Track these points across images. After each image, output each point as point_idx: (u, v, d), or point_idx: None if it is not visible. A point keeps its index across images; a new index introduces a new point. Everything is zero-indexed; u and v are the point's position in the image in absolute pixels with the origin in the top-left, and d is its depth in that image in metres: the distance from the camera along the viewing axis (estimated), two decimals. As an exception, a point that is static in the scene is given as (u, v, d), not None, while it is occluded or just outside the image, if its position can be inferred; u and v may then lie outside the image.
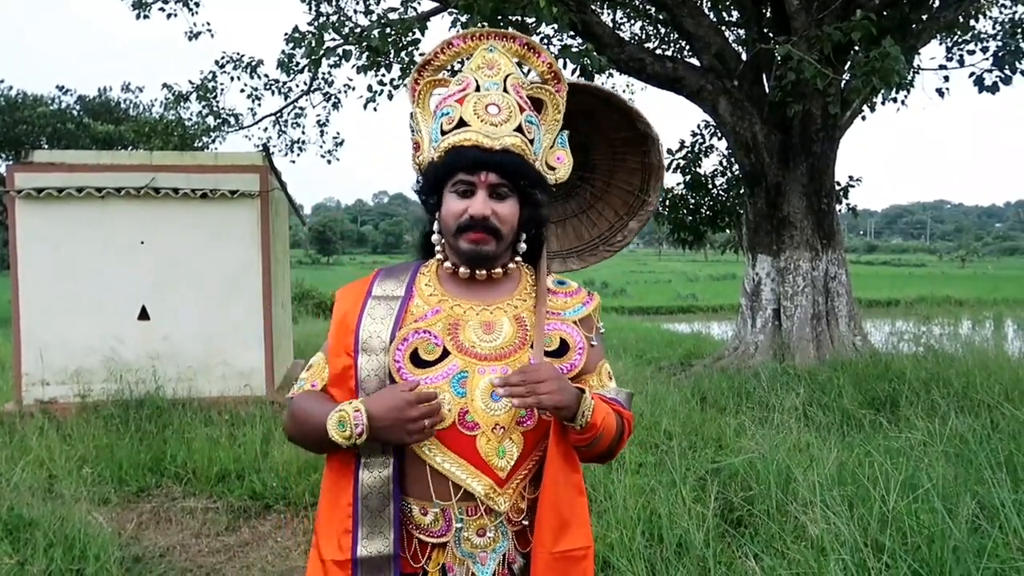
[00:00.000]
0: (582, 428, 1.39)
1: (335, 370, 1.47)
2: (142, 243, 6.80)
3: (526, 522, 1.47)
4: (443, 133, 1.46)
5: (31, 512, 3.87)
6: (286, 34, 9.25)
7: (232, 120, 11.88)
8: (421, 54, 8.57)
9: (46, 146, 21.52)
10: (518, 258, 1.55)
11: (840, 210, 9.66)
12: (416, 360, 1.43)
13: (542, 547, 1.41)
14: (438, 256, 1.54)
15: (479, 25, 5.95)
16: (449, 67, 1.59)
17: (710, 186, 11.06)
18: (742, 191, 9.69)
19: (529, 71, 1.62)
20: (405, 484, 1.44)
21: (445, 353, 1.44)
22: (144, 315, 6.81)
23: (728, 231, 11.97)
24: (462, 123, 1.44)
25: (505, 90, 1.48)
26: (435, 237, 1.53)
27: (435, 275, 1.54)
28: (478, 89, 1.47)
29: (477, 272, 1.49)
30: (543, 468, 1.43)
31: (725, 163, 11.04)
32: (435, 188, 1.49)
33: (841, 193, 9.68)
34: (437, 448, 1.41)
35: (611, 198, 1.81)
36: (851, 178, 9.98)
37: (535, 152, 1.49)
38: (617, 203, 1.81)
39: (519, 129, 1.45)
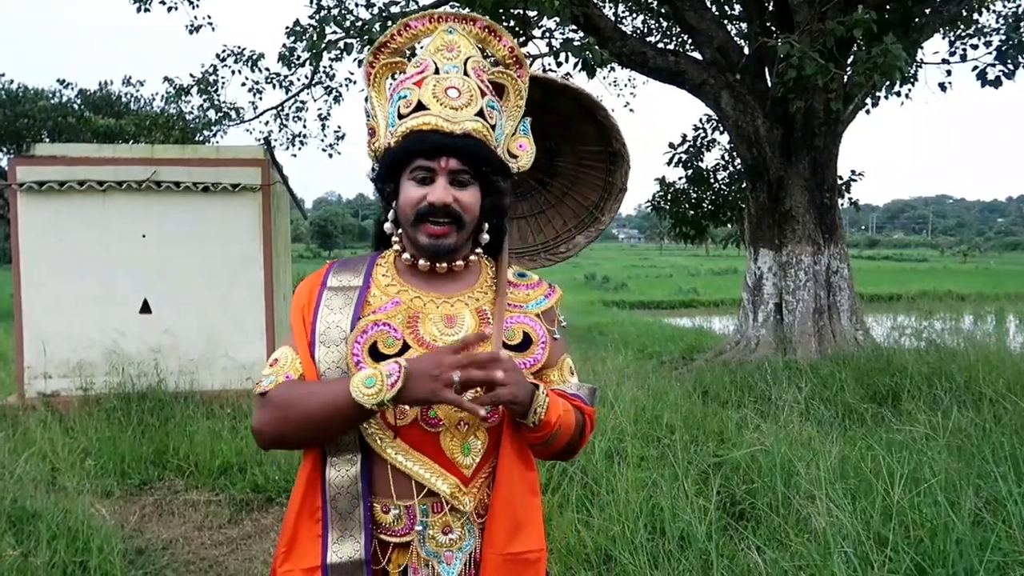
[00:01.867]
0: (535, 426, 1.34)
1: (309, 366, 1.37)
2: (144, 236, 6.80)
3: None
4: (400, 117, 1.39)
5: (34, 504, 3.88)
6: (287, 27, 9.23)
7: (233, 114, 11.86)
8: (423, 47, 8.59)
9: (47, 140, 21.51)
10: (479, 250, 1.48)
11: (842, 204, 9.66)
12: (375, 354, 1.35)
13: (492, 548, 1.35)
14: (395, 247, 1.47)
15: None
16: (406, 50, 1.53)
17: (712, 180, 11.06)
18: (744, 185, 9.68)
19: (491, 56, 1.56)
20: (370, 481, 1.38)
21: (405, 347, 1.37)
22: (146, 308, 6.81)
23: (730, 225, 11.97)
24: (420, 106, 1.37)
25: (466, 73, 1.41)
26: (388, 227, 1.46)
27: (392, 266, 1.47)
28: (437, 72, 1.40)
29: (437, 265, 1.43)
30: None
31: (727, 157, 11.04)
32: (391, 175, 1.42)
33: (843, 187, 9.68)
34: (398, 446, 1.34)
35: (564, 208, 1.76)
36: (853, 172, 10.00)
37: (497, 139, 1.43)
38: (569, 214, 1.76)
39: (480, 114, 1.39)
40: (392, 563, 1.37)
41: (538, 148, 1.56)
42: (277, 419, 1.34)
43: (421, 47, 1.52)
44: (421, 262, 1.43)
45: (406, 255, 1.45)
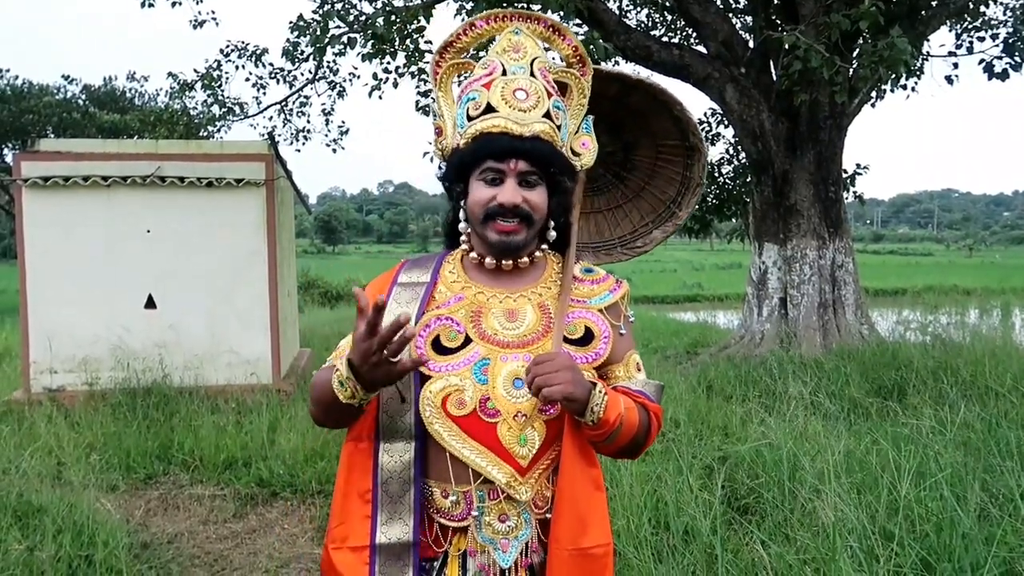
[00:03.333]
0: (594, 424, 1.35)
1: None
2: (148, 232, 6.80)
3: (551, 513, 1.42)
4: (469, 119, 1.42)
5: (40, 499, 3.90)
6: (291, 22, 9.22)
7: (237, 109, 11.85)
8: (427, 42, 8.55)
9: (52, 135, 21.53)
10: (544, 246, 1.51)
11: (847, 198, 9.61)
12: (438, 347, 1.41)
13: (558, 544, 1.36)
14: (463, 246, 1.50)
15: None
16: (470, 50, 1.55)
17: (717, 174, 11.01)
18: (749, 179, 9.65)
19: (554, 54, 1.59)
20: (426, 466, 1.41)
21: (467, 340, 1.42)
22: (151, 304, 6.83)
23: (734, 219, 11.93)
24: (489, 108, 1.40)
25: (532, 74, 1.44)
26: (462, 226, 1.49)
27: (459, 264, 1.52)
28: (505, 73, 1.43)
29: (503, 262, 1.46)
30: None
31: (732, 151, 11.00)
32: (460, 175, 1.45)
33: (848, 181, 9.63)
34: (457, 436, 1.37)
35: (641, 203, 1.77)
36: (858, 166, 9.93)
37: (563, 139, 1.46)
38: (646, 208, 1.77)
39: (547, 115, 1.42)
40: (453, 546, 1.41)
41: (615, 143, 1.58)
42: (312, 402, 1.46)
43: (484, 47, 1.55)
44: (488, 260, 1.46)
45: (473, 253, 1.48)
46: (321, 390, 1.40)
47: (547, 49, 1.53)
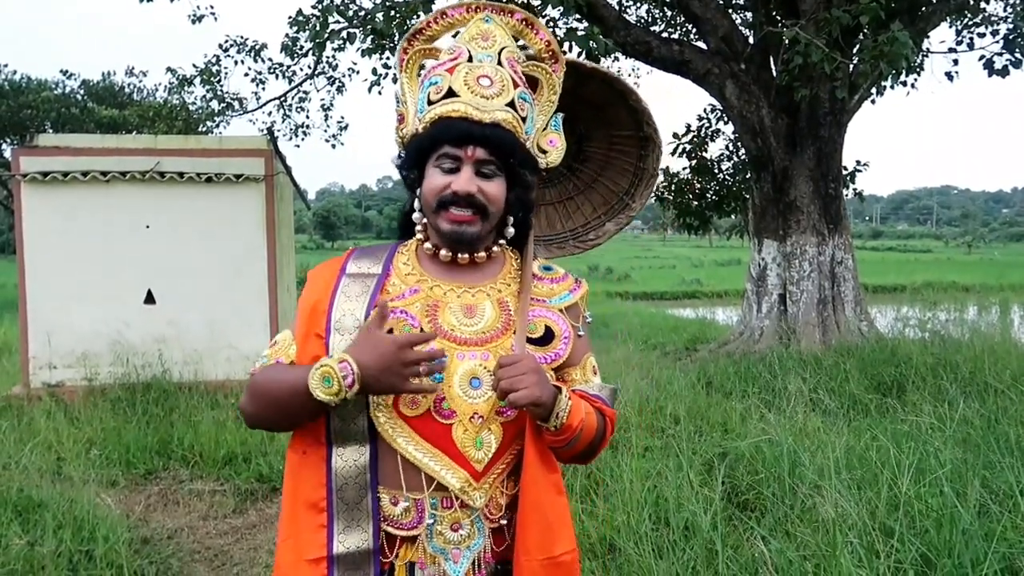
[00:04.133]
0: (556, 429, 1.31)
1: (303, 355, 1.35)
2: (147, 227, 6.80)
3: (504, 521, 1.37)
4: (430, 103, 1.36)
5: (40, 494, 3.89)
6: (290, 17, 9.22)
7: (236, 104, 11.86)
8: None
9: (50, 130, 21.48)
10: (502, 241, 1.46)
11: (846, 195, 9.61)
12: None
13: (527, 555, 1.31)
14: (418, 236, 1.44)
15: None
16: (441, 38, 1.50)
17: (716, 171, 11.00)
18: (748, 176, 9.64)
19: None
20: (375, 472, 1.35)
21: None
22: (150, 299, 6.82)
23: (734, 216, 11.93)
24: (451, 93, 1.34)
25: (499, 63, 1.38)
26: (416, 215, 1.43)
27: (414, 255, 1.44)
28: (471, 60, 1.37)
29: (459, 255, 1.40)
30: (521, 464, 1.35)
31: (731, 147, 10.98)
32: (418, 162, 1.39)
33: (848, 178, 9.63)
34: (409, 437, 1.31)
35: (594, 194, 1.73)
36: (858, 163, 9.94)
37: (527, 132, 1.40)
38: (599, 200, 1.73)
39: (511, 104, 1.36)
40: (399, 557, 1.34)
41: (568, 133, 1.53)
42: (252, 404, 1.36)
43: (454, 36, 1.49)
44: (443, 252, 1.40)
45: (428, 244, 1.42)
46: (278, 390, 1.31)
47: (522, 48, 1.47)
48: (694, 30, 10.20)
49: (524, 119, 1.39)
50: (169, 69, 11.57)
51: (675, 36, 11.07)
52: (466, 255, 1.40)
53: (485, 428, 1.33)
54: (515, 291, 1.43)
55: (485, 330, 1.37)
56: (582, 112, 1.65)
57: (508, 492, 1.38)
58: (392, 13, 8.28)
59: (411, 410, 1.31)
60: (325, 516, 1.31)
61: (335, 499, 1.31)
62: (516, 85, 1.38)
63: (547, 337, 1.41)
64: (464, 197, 1.33)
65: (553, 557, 1.33)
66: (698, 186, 11.05)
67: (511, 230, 1.45)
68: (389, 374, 1.23)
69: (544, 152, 1.47)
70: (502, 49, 1.40)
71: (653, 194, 11.71)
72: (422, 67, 1.47)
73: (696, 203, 11.07)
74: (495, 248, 1.44)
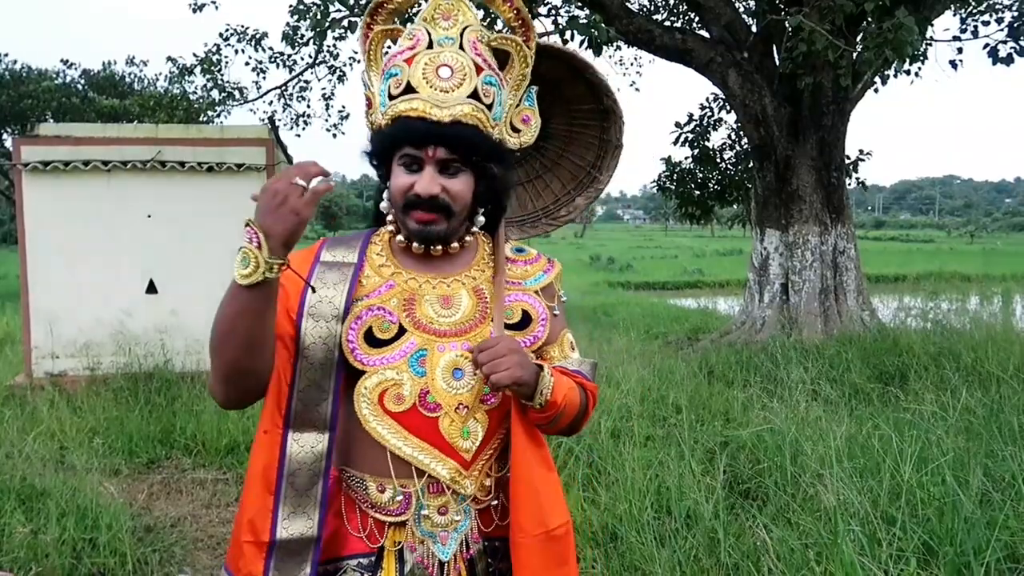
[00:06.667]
0: (541, 407, 1.32)
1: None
2: (149, 216, 6.79)
3: (495, 502, 1.39)
4: (391, 98, 1.33)
5: (43, 482, 3.91)
6: (291, 6, 9.18)
7: (237, 93, 11.82)
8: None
9: (51, 120, 21.45)
10: (475, 229, 1.44)
11: (849, 184, 9.58)
12: (371, 339, 1.33)
13: (523, 531, 1.32)
14: (390, 227, 1.43)
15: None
16: (405, 12, 1.47)
17: (718, 160, 10.98)
18: (751, 165, 9.61)
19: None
20: (358, 460, 1.35)
21: (401, 331, 1.34)
22: (152, 288, 6.82)
23: (736, 205, 11.90)
24: (410, 88, 1.31)
25: (461, 47, 1.33)
26: (384, 206, 1.41)
27: (387, 246, 1.43)
28: (431, 46, 1.33)
29: (431, 248, 1.39)
30: (508, 446, 1.36)
31: (734, 136, 10.95)
32: (383, 157, 1.38)
33: (850, 167, 9.59)
34: (397, 433, 1.31)
35: (561, 171, 1.74)
36: (861, 152, 9.89)
37: (494, 118, 1.36)
38: (567, 176, 1.74)
39: (475, 95, 1.32)
40: (388, 539, 1.35)
41: None
42: (212, 355, 1.27)
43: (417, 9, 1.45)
44: (415, 245, 1.39)
45: (400, 237, 1.41)
46: (222, 316, 1.24)
47: (490, 22, 1.44)
48: (697, 19, 10.15)
49: (490, 106, 1.35)
50: (170, 59, 11.55)
51: (678, 25, 11.01)
52: (439, 248, 1.39)
53: (471, 417, 1.34)
54: (490, 276, 1.43)
55: (463, 321, 1.38)
56: (540, 91, 1.64)
57: (495, 475, 1.39)
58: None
59: (397, 406, 1.32)
60: (273, 499, 1.30)
61: (284, 484, 1.30)
62: (480, 70, 1.34)
63: (524, 321, 1.42)
64: (427, 200, 1.31)
65: (549, 531, 1.34)
66: (700, 176, 11.03)
67: (481, 219, 1.43)
68: (277, 203, 1.19)
69: (517, 131, 1.45)
70: (465, 28, 1.35)
71: (656, 184, 11.67)
72: (389, 47, 1.43)
73: (698, 193, 11.05)
74: (467, 237, 1.43)
